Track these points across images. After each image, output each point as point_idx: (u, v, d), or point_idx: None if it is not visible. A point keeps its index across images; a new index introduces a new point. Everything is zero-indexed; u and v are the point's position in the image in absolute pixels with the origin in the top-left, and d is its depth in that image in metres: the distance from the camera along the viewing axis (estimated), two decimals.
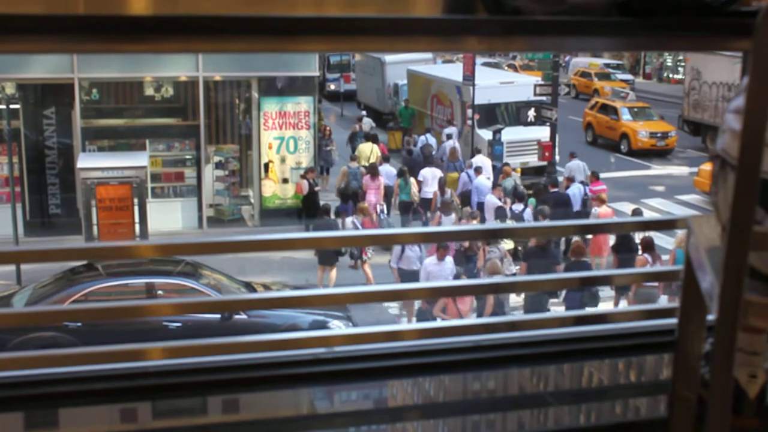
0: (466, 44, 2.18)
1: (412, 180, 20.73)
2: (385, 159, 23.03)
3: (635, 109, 32.89)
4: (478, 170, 21.13)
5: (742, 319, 1.65)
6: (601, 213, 17.99)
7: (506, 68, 39.94)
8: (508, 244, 16.36)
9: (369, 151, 23.42)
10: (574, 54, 46.76)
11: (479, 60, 36.02)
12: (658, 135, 31.13)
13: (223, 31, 2.07)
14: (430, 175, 21.03)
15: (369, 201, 19.95)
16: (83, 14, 1.97)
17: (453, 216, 17.78)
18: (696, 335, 2.02)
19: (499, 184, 20.20)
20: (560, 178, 21.40)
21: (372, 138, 24.76)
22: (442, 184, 20.09)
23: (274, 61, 21.89)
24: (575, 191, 19.90)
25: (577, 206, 19.47)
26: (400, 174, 21.06)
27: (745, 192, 1.53)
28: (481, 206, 18.98)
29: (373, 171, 20.83)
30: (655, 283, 14.35)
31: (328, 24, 2.12)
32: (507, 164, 22.26)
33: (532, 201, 19.33)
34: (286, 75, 22.43)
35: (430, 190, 20.47)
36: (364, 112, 32.97)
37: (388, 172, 21.60)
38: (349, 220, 17.98)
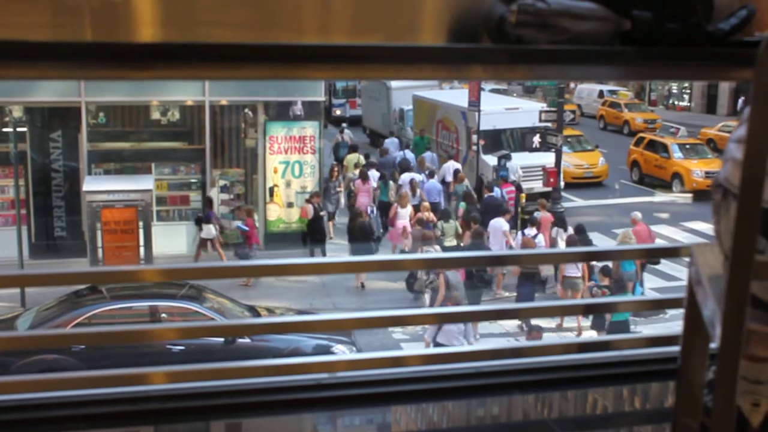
0: (471, 72, 2.20)
1: (391, 183, 23.69)
2: (371, 165, 25.22)
3: (687, 146, 30.46)
4: (431, 174, 24.52)
5: (744, 348, 1.66)
6: (543, 217, 19.86)
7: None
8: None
9: (356, 159, 26.24)
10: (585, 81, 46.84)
11: (488, 86, 36.36)
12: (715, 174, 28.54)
13: (229, 58, 2.09)
14: (408, 179, 23.49)
15: (361, 202, 22.13)
16: (90, 42, 1.99)
17: (409, 207, 20.65)
18: (698, 363, 2.02)
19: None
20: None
21: (354, 148, 27.92)
22: (414, 186, 22.73)
23: (281, 86, 21.99)
24: (495, 193, 22.19)
25: None
26: (381, 177, 24.03)
27: (746, 221, 1.53)
28: (436, 205, 21.85)
29: (363, 176, 23.19)
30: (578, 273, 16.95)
31: (335, 52, 2.14)
32: (459, 170, 24.37)
33: (462, 204, 21.49)
34: (293, 100, 22.57)
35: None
36: (344, 124, 35.28)
37: (374, 175, 24.06)
38: (234, 224, 19.88)
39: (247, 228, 19.94)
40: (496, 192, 22.22)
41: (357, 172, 24.14)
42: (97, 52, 2.00)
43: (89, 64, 2.04)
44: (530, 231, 18.62)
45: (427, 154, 27.64)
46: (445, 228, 19.40)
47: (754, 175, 1.51)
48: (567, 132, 32.16)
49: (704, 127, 37.04)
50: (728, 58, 2.24)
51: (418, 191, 22.52)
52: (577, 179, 29.34)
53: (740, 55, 2.12)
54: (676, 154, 29.69)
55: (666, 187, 29.27)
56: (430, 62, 2.20)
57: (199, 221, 20.45)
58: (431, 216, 20.07)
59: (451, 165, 25.21)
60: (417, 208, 20.85)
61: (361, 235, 20.10)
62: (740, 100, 45.42)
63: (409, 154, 27.64)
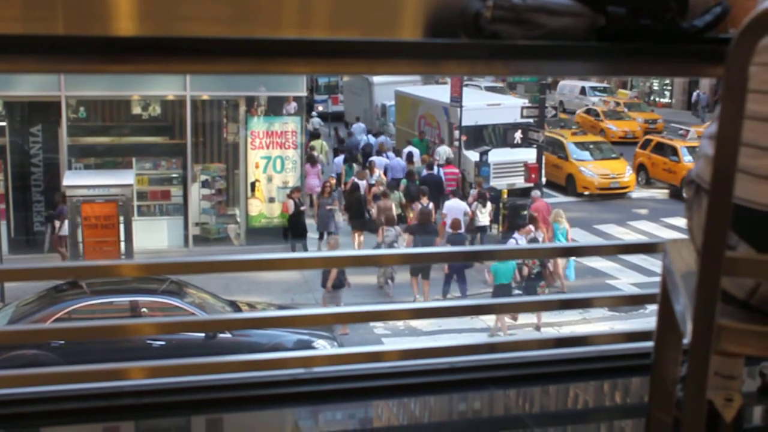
0: (446, 67, 2.20)
1: (355, 165, 25.73)
2: (339, 150, 28.80)
3: (697, 148, 28.85)
4: (397, 153, 27.44)
5: (716, 344, 1.66)
6: (474, 193, 22.56)
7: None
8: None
9: (320, 145, 28.21)
10: (561, 77, 46.84)
11: (483, 82, 36.55)
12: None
13: (205, 52, 2.08)
14: (376, 161, 25.80)
15: (310, 184, 23.41)
16: (65, 35, 1.98)
17: (365, 181, 22.97)
18: (672, 358, 2.03)
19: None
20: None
21: (317, 135, 29.70)
22: (372, 166, 24.81)
23: (262, 81, 21.96)
24: (433, 171, 24.22)
25: None
26: (346, 161, 26.54)
27: (717, 217, 1.54)
28: (396, 180, 24.20)
29: (311, 160, 24.24)
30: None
31: (311, 46, 2.14)
32: (412, 153, 26.56)
33: (403, 181, 23.63)
34: (274, 95, 22.57)
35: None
36: (314, 113, 36.72)
37: (340, 160, 27.07)
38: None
39: None
40: (436, 170, 24.29)
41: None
42: (73, 46, 1.99)
43: (62, 57, 2.02)
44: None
45: (383, 138, 29.93)
46: (391, 197, 21.65)
47: (724, 171, 1.52)
48: (588, 138, 31.20)
49: (693, 125, 36.69)
50: (701, 55, 2.25)
51: (377, 171, 24.43)
52: (604, 190, 27.95)
53: (713, 52, 2.13)
54: (686, 157, 28.03)
55: (675, 192, 27.65)
56: (405, 57, 2.20)
57: (52, 218, 20.16)
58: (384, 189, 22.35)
59: (406, 149, 27.30)
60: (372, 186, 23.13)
61: (356, 207, 21.79)
62: (694, 94, 45.56)
63: (372, 139, 29.84)
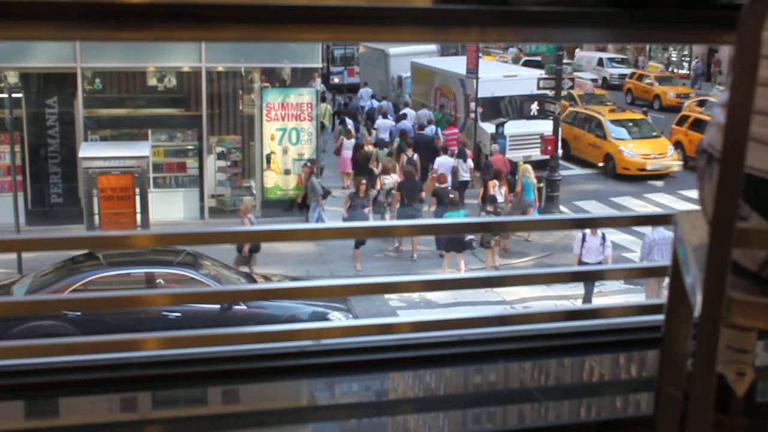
0: (455, 34, 2.15)
1: (350, 125, 27.10)
2: (341, 113, 31.20)
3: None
4: (399, 117, 28.91)
5: (727, 317, 1.63)
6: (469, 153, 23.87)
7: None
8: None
9: (324, 109, 29.60)
10: (580, 47, 46.55)
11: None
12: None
13: (209, 18, 2.05)
14: (382, 124, 28.01)
15: None
16: (67, 1, 1.95)
17: (353, 140, 24.83)
18: (683, 332, 2.00)
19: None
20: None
21: (322, 100, 29.97)
22: (369, 127, 27.74)
23: (278, 51, 21.90)
24: (427, 131, 25.93)
25: None
26: (341, 122, 28.38)
27: (728, 187, 1.50)
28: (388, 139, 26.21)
29: None
30: None
31: (316, 12, 2.10)
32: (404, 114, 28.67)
33: (396, 139, 25.23)
34: (289, 66, 22.52)
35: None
36: (318, 78, 36.82)
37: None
38: None
39: None
40: (428, 130, 25.90)
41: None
42: (77, 12, 1.97)
43: (69, 23, 2.00)
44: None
45: (384, 102, 31.53)
46: (379, 154, 23.31)
47: (736, 140, 1.48)
48: (626, 115, 29.74)
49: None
50: (715, 21, 2.20)
51: (374, 132, 27.02)
52: (644, 171, 26.48)
53: (727, 17, 2.08)
54: None
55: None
56: (412, 24, 2.16)
57: None
58: (371, 148, 24.16)
59: (405, 110, 29.23)
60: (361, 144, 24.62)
61: (363, 163, 22.94)
62: (693, 62, 45.13)
63: (376, 104, 31.73)
